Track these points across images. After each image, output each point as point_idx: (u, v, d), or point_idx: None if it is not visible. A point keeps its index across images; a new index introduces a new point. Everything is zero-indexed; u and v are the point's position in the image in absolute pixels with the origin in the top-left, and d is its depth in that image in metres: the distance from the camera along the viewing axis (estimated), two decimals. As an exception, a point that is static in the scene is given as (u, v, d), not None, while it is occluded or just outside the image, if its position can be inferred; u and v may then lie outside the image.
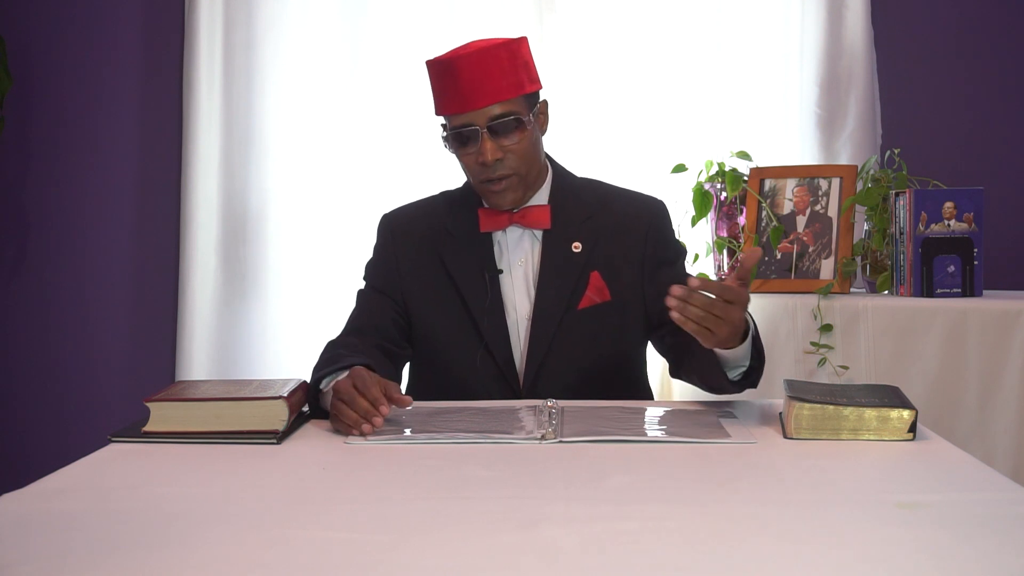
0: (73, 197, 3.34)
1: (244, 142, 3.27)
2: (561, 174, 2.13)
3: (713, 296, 1.66)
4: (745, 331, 1.76)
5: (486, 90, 1.93)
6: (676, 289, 1.65)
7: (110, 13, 3.32)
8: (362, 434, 1.63)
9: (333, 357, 1.88)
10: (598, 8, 3.24)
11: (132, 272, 3.35)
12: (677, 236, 2.36)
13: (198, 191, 3.22)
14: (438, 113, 2.03)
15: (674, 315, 1.66)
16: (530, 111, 1.99)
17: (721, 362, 1.81)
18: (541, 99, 2.05)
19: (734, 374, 1.84)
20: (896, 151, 2.89)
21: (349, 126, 3.26)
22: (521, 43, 2.01)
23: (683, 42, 3.24)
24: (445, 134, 2.02)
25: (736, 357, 1.79)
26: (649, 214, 2.11)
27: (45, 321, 3.35)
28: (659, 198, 2.17)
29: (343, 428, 1.67)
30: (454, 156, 2.04)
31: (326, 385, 1.79)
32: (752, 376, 1.83)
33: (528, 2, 3.21)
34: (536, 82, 2.03)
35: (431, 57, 2.02)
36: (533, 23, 3.20)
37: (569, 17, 3.23)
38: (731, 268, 1.65)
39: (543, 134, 2.07)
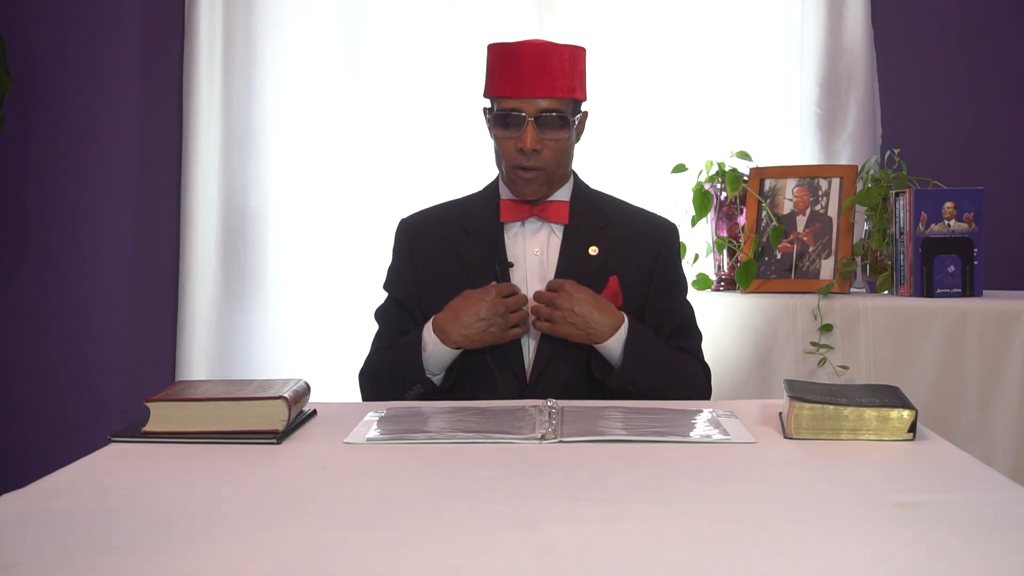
0: (73, 197, 3.33)
1: (244, 142, 3.27)
2: (580, 185, 2.20)
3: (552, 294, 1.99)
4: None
5: (543, 83, 2.04)
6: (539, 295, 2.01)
7: (110, 13, 3.32)
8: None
9: (398, 356, 2.06)
10: (598, 8, 3.24)
11: (132, 272, 3.35)
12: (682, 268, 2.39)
13: (198, 191, 3.22)
14: (488, 94, 2.12)
15: (543, 325, 2.01)
16: (574, 116, 2.10)
17: (607, 357, 2.03)
18: (583, 110, 2.15)
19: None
20: (896, 151, 2.89)
21: (349, 126, 3.26)
22: (582, 53, 2.14)
23: (683, 42, 3.24)
24: (489, 116, 2.12)
25: (610, 353, 2.02)
26: (663, 233, 2.20)
27: (45, 321, 3.35)
28: (672, 221, 2.25)
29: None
30: (491, 139, 2.13)
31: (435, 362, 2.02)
32: (625, 384, 2.00)
33: (528, 2, 3.21)
34: (584, 93, 2.14)
35: (493, 42, 2.14)
36: (533, 23, 3.20)
37: (569, 17, 3.23)
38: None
39: (576, 142, 2.16)
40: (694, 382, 2.10)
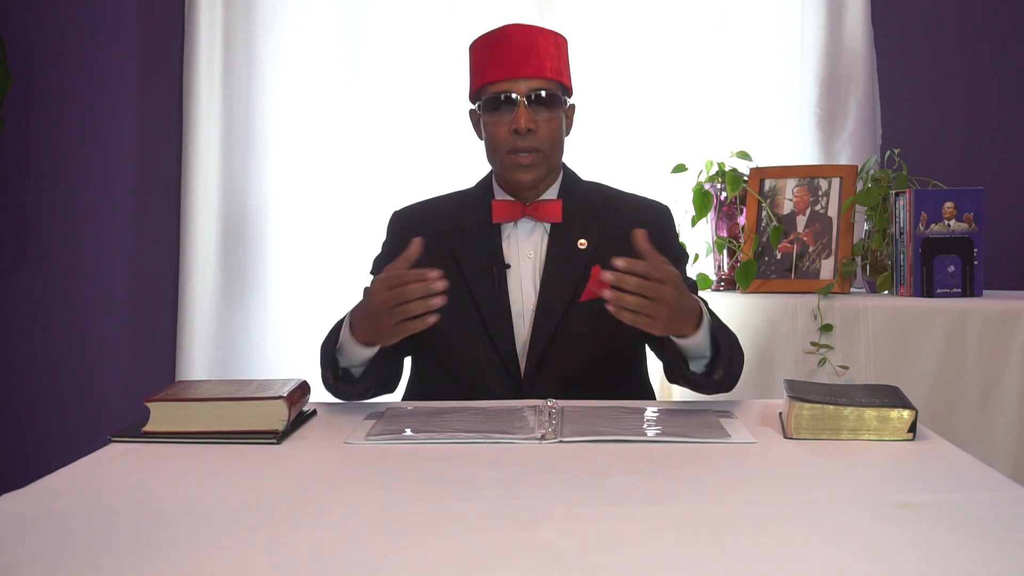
0: (73, 197, 3.34)
1: (244, 142, 3.27)
2: (570, 177, 2.18)
3: (641, 278, 1.68)
4: (701, 320, 1.82)
5: (532, 62, 2.03)
6: (607, 275, 1.68)
7: (110, 13, 3.32)
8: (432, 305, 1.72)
9: (333, 336, 1.96)
10: (598, 8, 3.24)
11: (132, 272, 3.35)
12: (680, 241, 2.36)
13: (198, 191, 3.22)
14: (475, 87, 2.09)
15: (609, 308, 1.69)
16: (564, 101, 2.08)
17: (683, 352, 1.86)
18: (571, 102, 2.14)
19: (697, 365, 1.89)
20: (896, 151, 2.89)
21: (349, 126, 3.26)
22: (565, 41, 2.13)
23: (683, 42, 3.24)
24: (478, 113, 2.08)
25: (696, 347, 1.84)
26: (654, 216, 2.16)
27: (45, 321, 3.35)
28: (664, 203, 2.22)
29: (402, 317, 1.73)
30: (479, 139, 2.10)
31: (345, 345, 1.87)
32: (717, 371, 1.87)
33: (528, 2, 3.22)
34: (571, 82, 2.12)
35: (473, 39, 2.12)
36: (533, 23, 3.19)
37: (569, 17, 3.23)
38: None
39: (567, 134, 2.14)
40: (740, 350, 1.99)
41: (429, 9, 3.24)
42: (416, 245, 1.80)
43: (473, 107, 2.13)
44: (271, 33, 3.26)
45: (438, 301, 1.72)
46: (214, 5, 3.22)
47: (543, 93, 2.03)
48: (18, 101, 3.29)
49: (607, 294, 1.68)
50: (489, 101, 2.05)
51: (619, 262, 1.67)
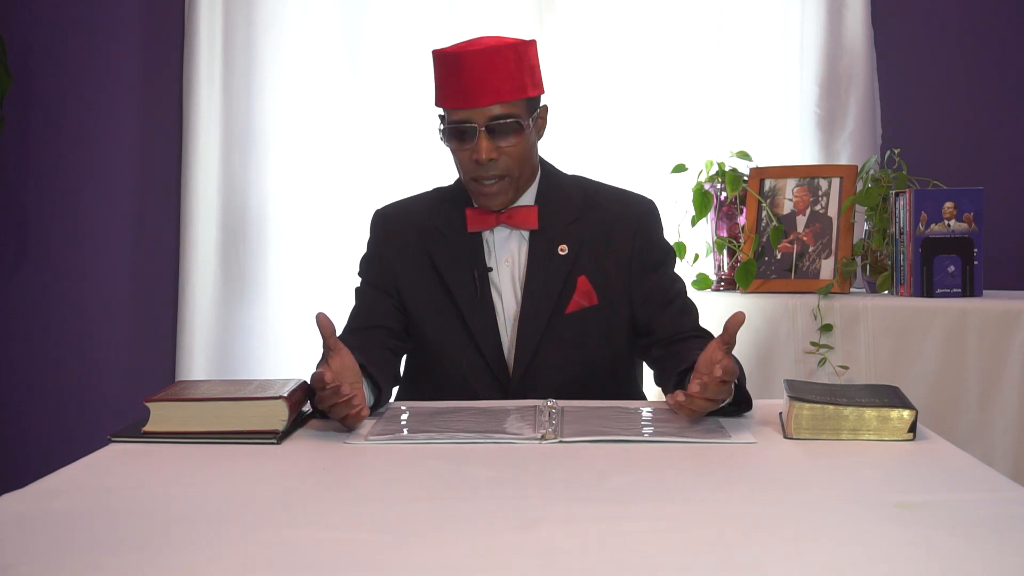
0: (73, 197, 3.33)
1: (244, 142, 3.27)
2: (550, 173, 2.11)
3: (708, 387, 1.65)
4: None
5: (488, 89, 1.93)
6: (679, 396, 1.67)
7: (110, 13, 3.32)
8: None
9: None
10: (598, 8, 3.24)
11: (132, 272, 3.35)
12: (677, 236, 2.35)
13: (198, 191, 3.22)
14: (439, 104, 2.02)
15: (682, 412, 1.68)
16: (530, 115, 1.99)
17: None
18: (542, 104, 2.05)
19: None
20: (896, 151, 2.89)
21: (349, 126, 3.26)
22: (529, 46, 2.01)
23: (683, 42, 3.24)
24: (442, 126, 2.01)
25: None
26: (638, 214, 2.10)
27: (45, 321, 3.35)
28: (649, 197, 2.15)
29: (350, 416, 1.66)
30: (448, 149, 2.04)
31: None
32: (729, 410, 1.79)
33: (528, 2, 3.21)
34: (539, 87, 2.03)
35: (437, 48, 2.02)
36: (533, 23, 3.20)
37: (569, 17, 3.23)
38: (721, 335, 1.70)
39: (540, 139, 2.07)
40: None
41: (429, 9, 3.24)
42: (325, 324, 1.77)
43: (441, 113, 2.04)
44: (271, 33, 3.26)
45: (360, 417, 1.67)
46: (214, 5, 3.22)
47: (502, 122, 1.94)
48: (18, 101, 3.29)
49: (679, 403, 1.66)
50: (450, 130, 1.98)
51: (693, 387, 1.65)
